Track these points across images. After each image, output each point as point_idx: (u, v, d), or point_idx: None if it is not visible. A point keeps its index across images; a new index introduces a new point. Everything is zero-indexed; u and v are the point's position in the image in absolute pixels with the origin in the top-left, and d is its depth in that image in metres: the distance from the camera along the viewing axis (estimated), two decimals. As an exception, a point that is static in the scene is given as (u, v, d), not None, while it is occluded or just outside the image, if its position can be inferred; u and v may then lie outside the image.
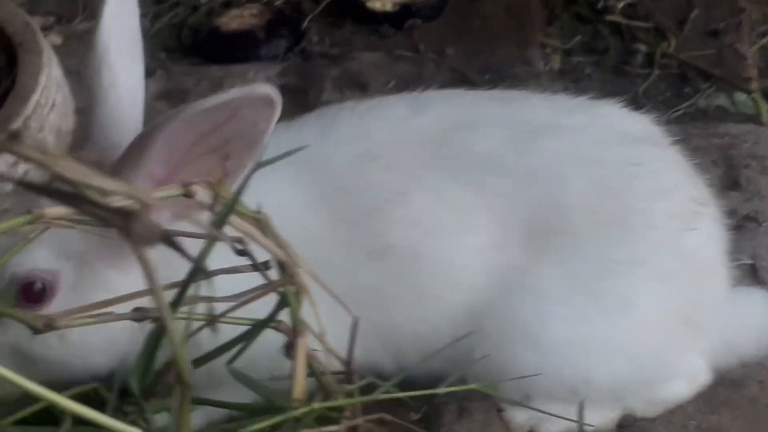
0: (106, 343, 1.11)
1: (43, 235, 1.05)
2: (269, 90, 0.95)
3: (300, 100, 1.90)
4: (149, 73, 1.14)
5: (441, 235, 1.18)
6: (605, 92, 1.57)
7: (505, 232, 1.17)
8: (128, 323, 1.04)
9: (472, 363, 1.16)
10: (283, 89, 1.11)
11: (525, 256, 1.17)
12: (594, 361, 1.19)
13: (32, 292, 1.06)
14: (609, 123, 1.27)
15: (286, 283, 0.86)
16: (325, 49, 2.07)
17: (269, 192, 1.12)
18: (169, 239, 0.63)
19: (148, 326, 1.02)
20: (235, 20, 2.07)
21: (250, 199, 0.94)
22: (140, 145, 1.00)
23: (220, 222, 0.81)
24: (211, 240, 0.77)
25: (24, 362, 1.08)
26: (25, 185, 0.75)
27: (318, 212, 1.18)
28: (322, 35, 2.13)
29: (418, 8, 2.15)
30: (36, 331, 0.86)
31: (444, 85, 1.91)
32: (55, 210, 0.83)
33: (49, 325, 0.86)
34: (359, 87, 1.97)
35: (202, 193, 0.84)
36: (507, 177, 1.18)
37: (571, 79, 1.99)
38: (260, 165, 0.94)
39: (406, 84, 1.94)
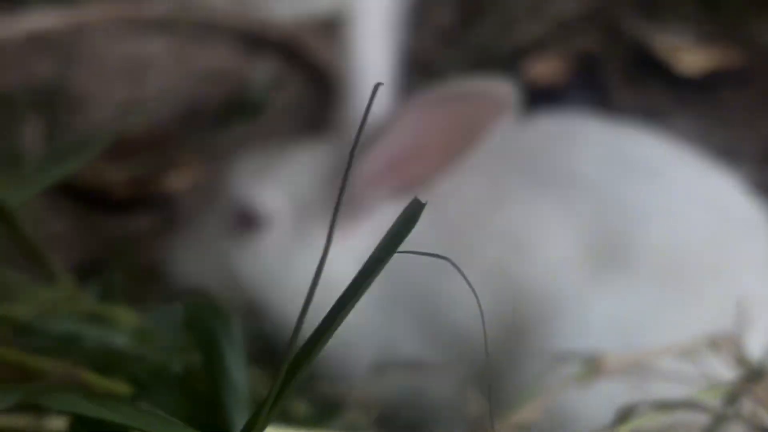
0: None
1: (277, 172, 1.00)
2: (509, 89, 0.87)
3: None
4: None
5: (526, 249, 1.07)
6: None
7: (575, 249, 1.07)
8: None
9: None
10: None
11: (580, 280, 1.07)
12: None
13: (246, 218, 0.98)
14: (711, 193, 1.14)
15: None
16: (633, 110, 2.03)
17: None
18: None
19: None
20: (540, 74, 2.12)
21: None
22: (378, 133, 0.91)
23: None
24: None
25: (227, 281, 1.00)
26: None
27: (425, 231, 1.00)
28: (626, 94, 2.12)
29: (728, 75, 2.11)
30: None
31: (760, 160, 1.85)
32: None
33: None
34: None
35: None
36: (590, 197, 1.08)
37: None
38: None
39: (722, 157, 1.88)
